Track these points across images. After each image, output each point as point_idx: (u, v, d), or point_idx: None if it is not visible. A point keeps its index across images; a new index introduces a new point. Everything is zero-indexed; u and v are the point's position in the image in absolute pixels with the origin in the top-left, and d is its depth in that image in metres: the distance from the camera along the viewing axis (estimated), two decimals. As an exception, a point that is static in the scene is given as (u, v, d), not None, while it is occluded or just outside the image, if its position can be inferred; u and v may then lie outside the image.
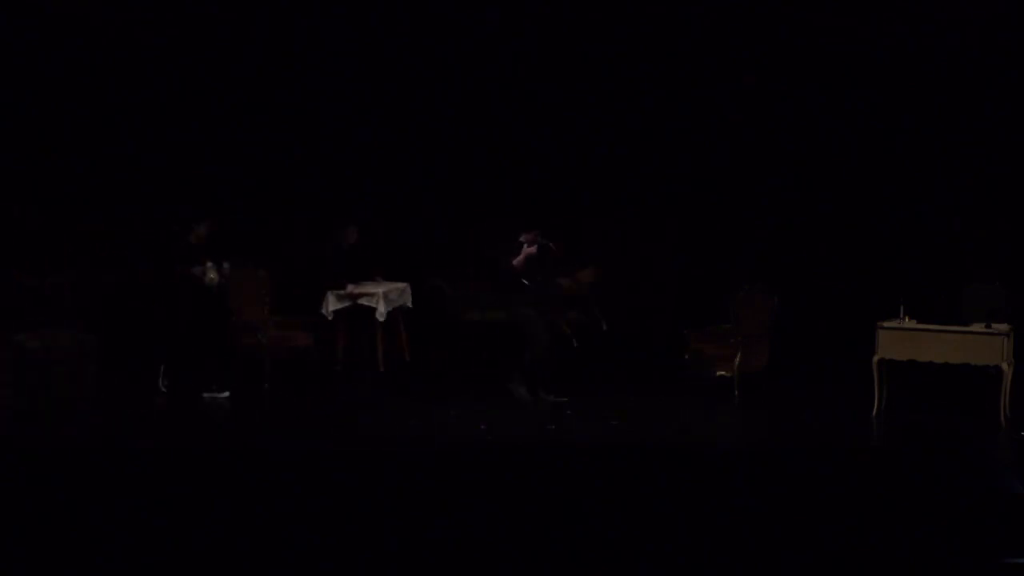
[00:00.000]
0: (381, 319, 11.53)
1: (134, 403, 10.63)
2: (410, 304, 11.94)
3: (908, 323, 10.04)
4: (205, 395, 10.70)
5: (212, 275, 10.66)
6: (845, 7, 12.12)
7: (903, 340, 10.01)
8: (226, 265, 10.79)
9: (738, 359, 10.76)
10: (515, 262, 10.23)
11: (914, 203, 12.42)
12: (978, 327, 9.84)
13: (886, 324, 10.11)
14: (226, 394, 10.72)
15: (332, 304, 11.62)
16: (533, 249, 10.31)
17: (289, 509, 7.66)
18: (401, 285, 11.95)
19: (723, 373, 10.80)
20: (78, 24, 12.18)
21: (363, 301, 11.60)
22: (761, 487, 8.15)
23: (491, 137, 12.79)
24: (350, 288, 11.62)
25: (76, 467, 8.40)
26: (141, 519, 7.44)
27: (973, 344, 9.80)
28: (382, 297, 11.58)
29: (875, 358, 10.15)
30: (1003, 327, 9.80)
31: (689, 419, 10.30)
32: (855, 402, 10.50)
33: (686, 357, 10.99)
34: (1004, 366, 9.80)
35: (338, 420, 10.19)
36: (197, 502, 7.73)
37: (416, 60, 12.59)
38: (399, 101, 12.73)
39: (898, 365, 10.17)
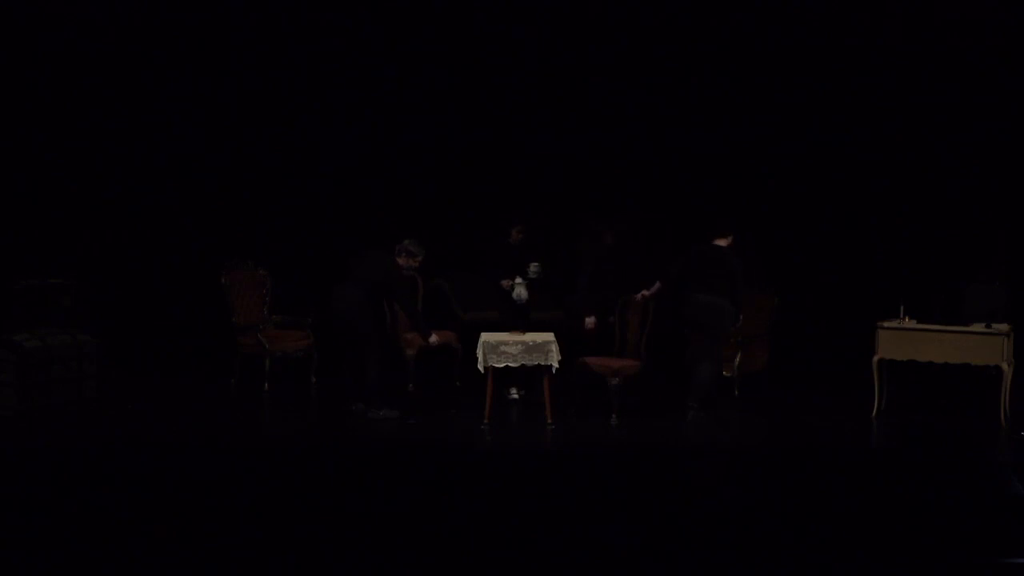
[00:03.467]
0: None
1: (133, 404, 10.63)
2: (555, 362, 9.86)
3: (908, 323, 10.04)
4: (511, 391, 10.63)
5: (521, 291, 10.26)
6: (845, 7, 12.13)
7: (903, 340, 10.01)
8: (534, 266, 10.45)
9: (738, 359, 10.76)
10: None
11: (914, 203, 12.42)
12: (978, 327, 9.83)
13: (886, 324, 10.11)
14: (517, 395, 10.57)
15: (489, 358, 9.85)
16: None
17: (289, 509, 7.66)
18: (540, 339, 9.92)
19: (723, 373, 10.80)
20: (78, 23, 12.19)
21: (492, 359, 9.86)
22: (761, 487, 8.15)
23: (491, 136, 12.79)
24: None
25: (76, 467, 8.40)
26: (141, 519, 7.44)
27: (973, 344, 9.80)
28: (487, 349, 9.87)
29: (875, 358, 10.15)
30: (1003, 327, 9.80)
31: (689, 419, 10.30)
32: (855, 402, 10.51)
33: (686, 357, 10.98)
34: (1004, 366, 9.80)
35: (337, 420, 10.18)
36: (197, 502, 7.73)
37: (420, 62, 12.60)
38: (401, 101, 12.73)
39: (898, 365, 10.17)
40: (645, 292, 10.29)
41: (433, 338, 10.33)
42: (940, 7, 11.95)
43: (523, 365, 9.92)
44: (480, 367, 9.84)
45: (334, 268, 11.58)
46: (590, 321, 10.56)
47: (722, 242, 10.25)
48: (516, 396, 10.40)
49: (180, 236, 12.73)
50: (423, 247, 10.31)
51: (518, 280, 10.14)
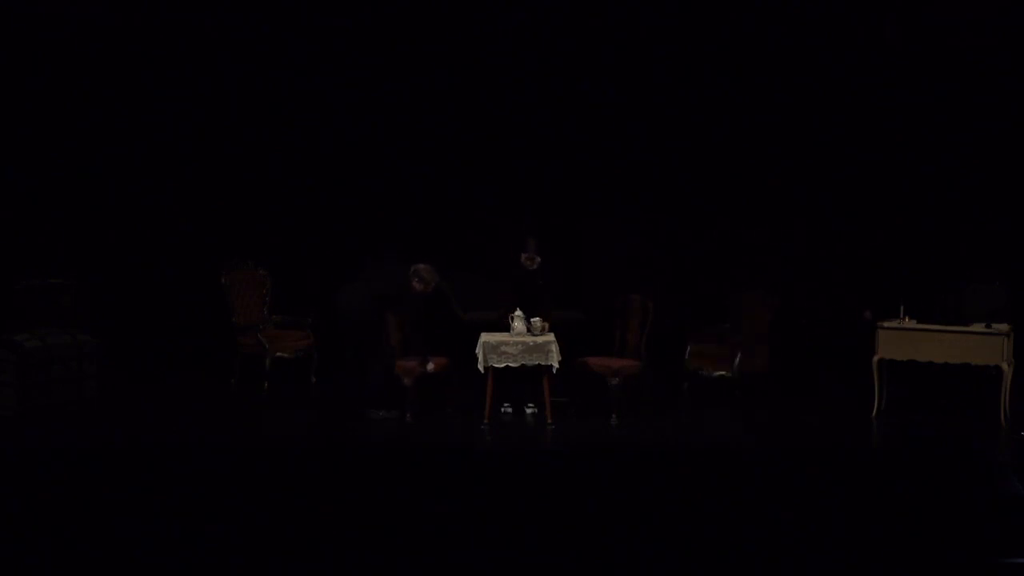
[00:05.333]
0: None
1: (133, 404, 10.64)
2: (555, 362, 9.91)
3: (908, 323, 10.04)
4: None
5: (520, 326, 10.02)
6: (843, 7, 12.13)
7: (903, 340, 10.01)
8: (538, 323, 10.04)
9: (737, 359, 10.76)
10: None
11: (914, 203, 12.42)
12: (978, 327, 9.84)
13: (886, 324, 10.11)
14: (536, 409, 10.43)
15: (490, 358, 9.92)
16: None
17: (289, 509, 7.66)
18: (540, 339, 9.98)
19: (723, 373, 10.81)
20: (78, 23, 12.18)
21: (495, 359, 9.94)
22: (761, 487, 8.15)
23: (492, 135, 12.79)
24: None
25: (76, 467, 8.40)
26: (140, 519, 7.44)
27: (973, 344, 9.80)
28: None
29: (875, 358, 10.15)
30: (1003, 327, 9.80)
31: (689, 419, 10.31)
32: (855, 403, 10.51)
33: (686, 357, 11.00)
34: (1004, 366, 9.80)
35: (337, 420, 10.17)
36: (197, 502, 7.73)
37: (421, 61, 12.59)
38: (401, 100, 12.73)
39: (898, 365, 10.17)
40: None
41: (430, 365, 10.29)
42: (940, 7, 11.95)
43: (523, 365, 9.95)
44: (480, 367, 9.86)
45: (334, 268, 11.62)
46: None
47: None
48: (535, 410, 10.38)
49: (180, 236, 12.73)
50: (436, 275, 10.27)
51: (518, 313, 10.11)
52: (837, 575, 7.05)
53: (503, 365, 9.90)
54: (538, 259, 10.44)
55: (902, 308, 10.12)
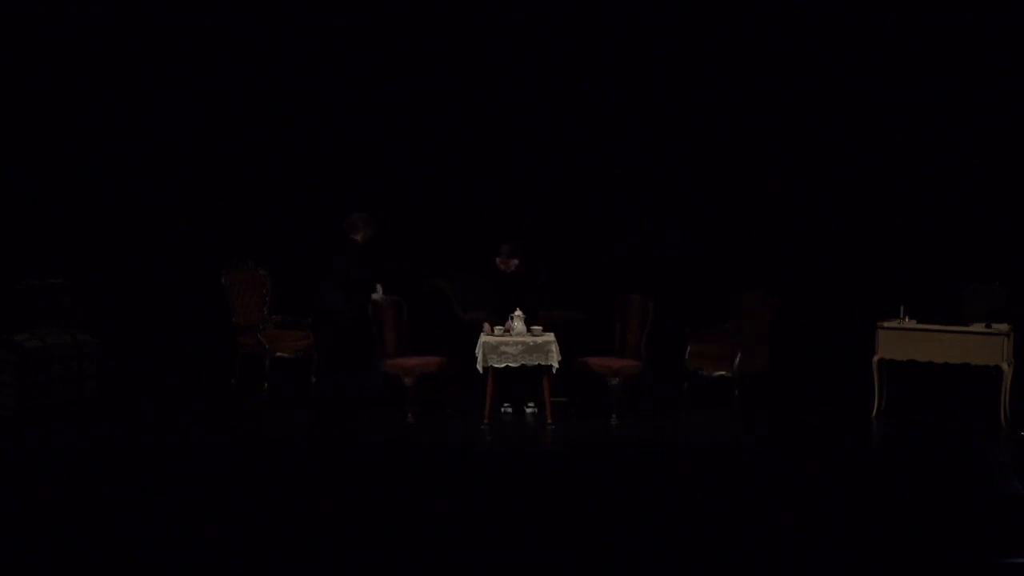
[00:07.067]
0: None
1: (133, 404, 10.63)
2: (555, 362, 9.86)
3: (908, 323, 10.04)
4: None
5: (519, 326, 9.99)
6: (843, 7, 12.14)
7: (903, 340, 10.01)
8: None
9: (737, 359, 10.76)
10: None
11: (914, 203, 12.42)
12: (978, 327, 9.84)
13: (886, 324, 10.11)
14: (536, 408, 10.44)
15: (489, 358, 9.88)
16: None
17: (289, 509, 7.66)
18: (540, 339, 9.92)
19: (723, 373, 10.81)
20: (78, 23, 12.19)
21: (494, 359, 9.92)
22: (761, 487, 8.15)
23: (492, 136, 12.79)
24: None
25: (76, 467, 8.40)
26: (140, 519, 7.44)
27: (973, 344, 9.80)
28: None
29: (875, 358, 10.15)
30: (1003, 327, 9.79)
31: (689, 419, 10.31)
32: (855, 403, 10.50)
33: (686, 357, 11.00)
34: (1004, 366, 9.80)
35: (337, 420, 10.18)
36: (197, 502, 7.73)
37: (421, 62, 12.59)
38: (401, 100, 12.73)
39: (898, 365, 10.17)
40: None
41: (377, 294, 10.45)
42: (940, 7, 11.95)
43: (523, 366, 9.95)
44: (480, 367, 9.86)
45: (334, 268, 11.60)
46: None
47: None
48: (535, 409, 10.38)
49: (180, 236, 12.74)
50: (369, 220, 10.70)
51: (517, 313, 10.10)
52: (837, 575, 7.05)
53: (503, 365, 9.90)
54: (514, 262, 10.39)
55: (902, 308, 10.12)
